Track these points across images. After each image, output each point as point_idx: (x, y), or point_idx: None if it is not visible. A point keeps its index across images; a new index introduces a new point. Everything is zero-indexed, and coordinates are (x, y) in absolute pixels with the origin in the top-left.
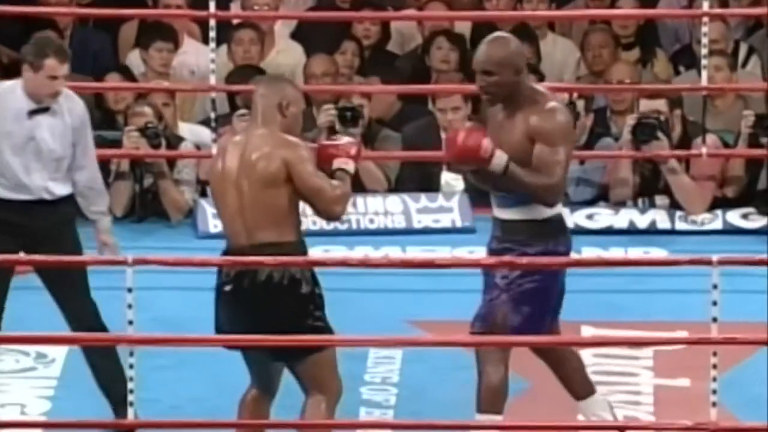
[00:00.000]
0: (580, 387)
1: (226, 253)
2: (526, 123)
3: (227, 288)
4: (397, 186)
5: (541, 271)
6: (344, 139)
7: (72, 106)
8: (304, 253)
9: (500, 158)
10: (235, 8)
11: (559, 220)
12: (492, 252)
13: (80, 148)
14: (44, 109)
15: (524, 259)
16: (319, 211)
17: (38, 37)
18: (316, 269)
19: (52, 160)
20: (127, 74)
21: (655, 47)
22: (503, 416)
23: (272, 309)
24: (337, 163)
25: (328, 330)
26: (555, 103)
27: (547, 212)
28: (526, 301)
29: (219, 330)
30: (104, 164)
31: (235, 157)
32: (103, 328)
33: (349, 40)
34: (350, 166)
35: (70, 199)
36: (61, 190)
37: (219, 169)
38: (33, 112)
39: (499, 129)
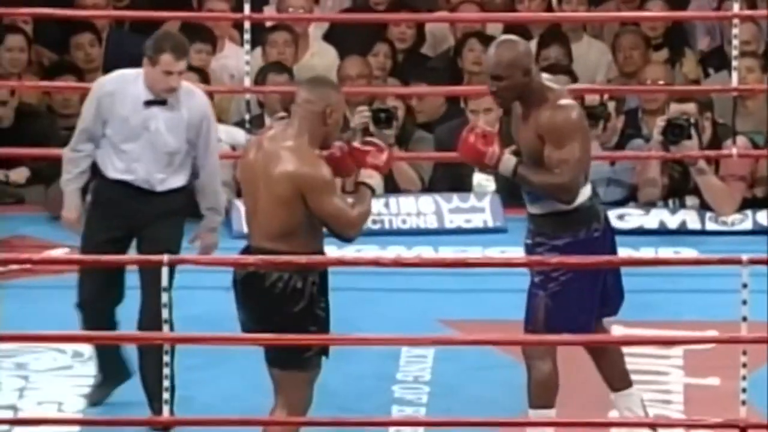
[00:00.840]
0: (617, 379)
1: (246, 246)
2: (536, 122)
3: (238, 284)
4: (430, 186)
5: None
6: (376, 144)
7: (192, 103)
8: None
9: (508, 162)
10: (269, 11)
11: (587, 207)
12: (527, 247)
13: (201, 146)
14: (161, 102)
15: (554, 259)
16: (334, 234)
17: (158, 32)
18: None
19: (164, 153)
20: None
21: (684, 48)
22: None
23: (270, 315)
24: (362, 176)
25: (321, 351)
26: (564, 101)
27: (575, 201)
28: (564, 294)
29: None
30: None
31: (261, 160)
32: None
33: (382, 42)
34: (374, 180)
35: (180, 193)
36: (171, 183)
37: (247, 164)
38: (149, 103)
39: (519, 129)
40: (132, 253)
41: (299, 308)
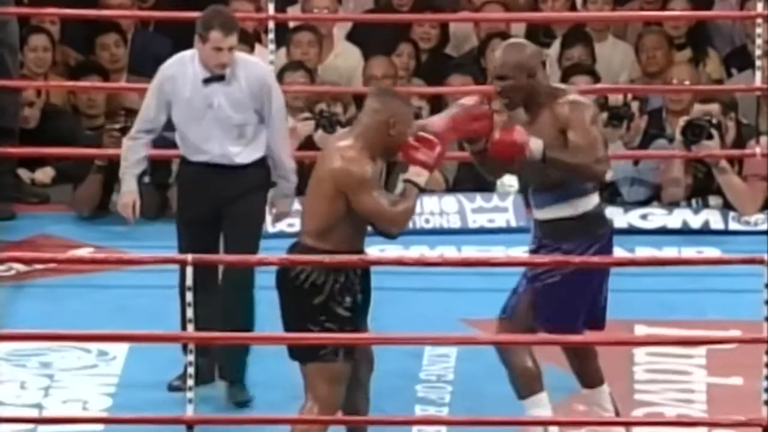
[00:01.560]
0: (589, 377)
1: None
2: (554, 117)
3: (276, 276)
4: (454, 186)
5: (568, 268)
6: (428, 140)
7: (249, 73)
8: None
9: (536, 145)
10: (292, 11)
11: (593, 214)
12: (530, 252)
13: (265, 113)
14: (220, 78)
15: (577, 259)
16: (377, 230)
17: (208, 9)
18: (373, 269)
19: (232, 126)
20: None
21: (707, 47)
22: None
23: (291, 306)
24: (410, 173)
25: (335, 351)
26: (575, 96)
27: (582, 208)
28: (549, 296)
29: None
30: (165, 165)
31: (318, 160)
32: (251, 299)
33: (405, 42)
34: (422, 179)
35: (260, 166)
36: (248, 156)
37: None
38: (207, 80)
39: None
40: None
41: (317, 303)
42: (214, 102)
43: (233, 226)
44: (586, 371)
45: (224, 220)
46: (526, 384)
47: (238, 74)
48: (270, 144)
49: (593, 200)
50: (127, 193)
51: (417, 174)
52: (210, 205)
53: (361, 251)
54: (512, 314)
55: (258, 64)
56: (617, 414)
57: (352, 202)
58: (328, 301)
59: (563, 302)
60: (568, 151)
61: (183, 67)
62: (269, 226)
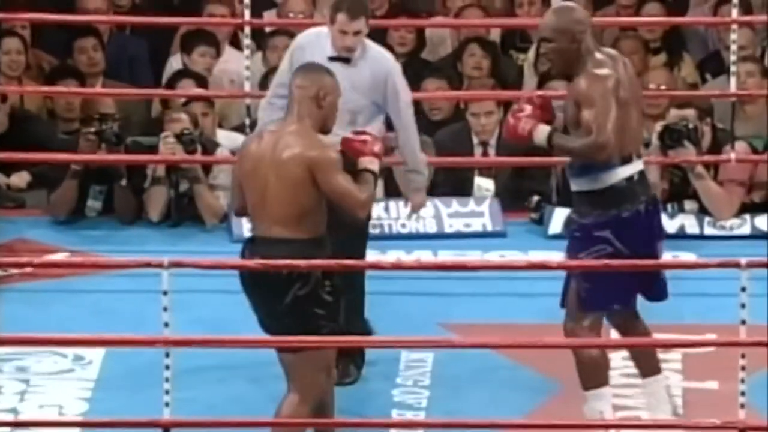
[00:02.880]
0: (643, 365)
1: (250, 238)
2: (573, 90)
3: (245, 276)
4: (431, 190)
5: (600, 241)
6: (369, 134)
7: (376, 64)
8: (318, 250)
9: (542, 133)
10: (269, 16)
11: (622, 188)
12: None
13: (391, 107)
14: (345, 60)
15: (553, 262)
16: (344, 212)
17: None
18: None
19: (345, 111)
20: (201, 80)
21: (682, 52)
22: (531, 416)
23: (277, 299)
24: (362, 163)
25: (331, 332)
26: (600, 70)
27: (607, 181)
28: (588, 279)
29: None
30: (140, 169)
31: (267, 150)
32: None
33: (382, 46)
34: (375, 166)
35: None
36: None
37: (249, 156)
38: (333, 59)
39: (565, 105)
40: None
41: (305, 292)
42: None
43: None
44: (638, 359)
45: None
46: (591, 377)
47: (365, 62)
48: (401, 139)
49: (623, 172)
50: None
51: (370, 162)
52: None
53: (326, 237)
54: (564, 304)
55: (387, 58)
56: (674, 407)
57: (322, 184)
58: (316, 288)
59: (604, 283)
60: (574, 134)
61: (316, 40)
62: (245, 231)
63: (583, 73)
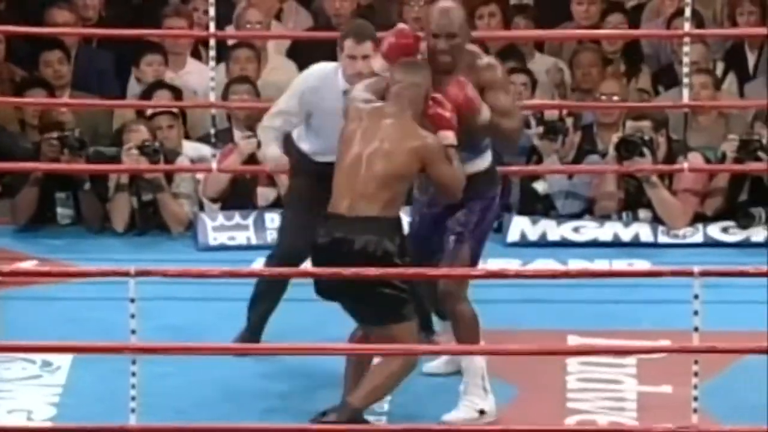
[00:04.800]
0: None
1: (325, 216)
2: (475, 77)
3: (323, 249)
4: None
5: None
6: (439, 101)
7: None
8: (400, 227)
9: (486, 113)
10: (229, 28)
11: (485, 171)
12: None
13: None
14: None
15: (512, 271)
16: (444, 195)
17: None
18: None
19: None
20: (176, 92)
21: (640, 63)
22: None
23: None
24: (445, 139)
25: (411, 301)
26: (489, 58)
27: (481, 166)
28: (478, 238)
29: (316, 286)
30: (103, 179)
31: (369, 135)
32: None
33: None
34: (452, 138)
35: None
36: None
37: (349, 136)
38: (347, 92)
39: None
40: None
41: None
42: None
43: None
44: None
45: None
46: (469, 336)
47: None
48: None
49: (485, 161)
50: (277, 156)
51: (446, 137)
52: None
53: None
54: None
55: None
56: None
57: (433, 173)
58: (401, 262)
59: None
60: (500, 116)
61: (326, 81)
62: (210, 239)
63: (478, 62)
